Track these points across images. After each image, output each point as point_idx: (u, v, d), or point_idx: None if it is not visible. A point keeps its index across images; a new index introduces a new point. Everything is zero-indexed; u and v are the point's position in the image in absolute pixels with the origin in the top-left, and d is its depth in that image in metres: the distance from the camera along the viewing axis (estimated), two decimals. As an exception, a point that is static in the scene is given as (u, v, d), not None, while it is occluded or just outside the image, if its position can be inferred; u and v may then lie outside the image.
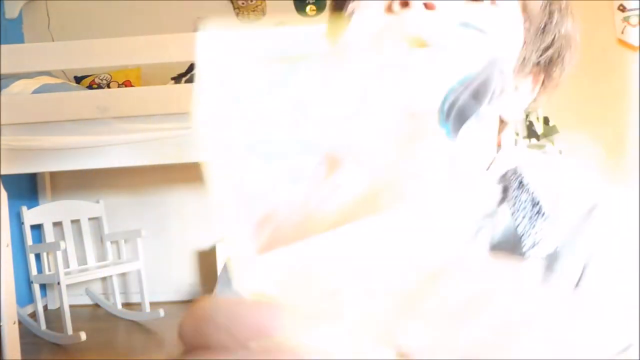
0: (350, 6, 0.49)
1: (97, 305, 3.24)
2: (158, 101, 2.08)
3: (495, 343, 0.22)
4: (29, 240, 2.87)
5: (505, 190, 0.50)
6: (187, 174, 3.27)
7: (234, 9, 3.28)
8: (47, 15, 3.26)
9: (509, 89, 0.47)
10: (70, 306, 2.67)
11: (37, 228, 3.02)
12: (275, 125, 0.26)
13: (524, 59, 0.48)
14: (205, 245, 3.28)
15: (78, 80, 3.02)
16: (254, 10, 3.28)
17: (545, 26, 0.49)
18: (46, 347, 2.62)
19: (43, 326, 2.74)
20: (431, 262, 0.25)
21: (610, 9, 3.20)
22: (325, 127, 0.27)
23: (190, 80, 2.25)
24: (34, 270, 2.83)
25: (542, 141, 2.06)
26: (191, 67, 2.48)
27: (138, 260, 3.00)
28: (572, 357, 0.23)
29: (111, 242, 3.20)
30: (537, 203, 0.47)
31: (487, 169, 0.52)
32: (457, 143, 0.39)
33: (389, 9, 0.45)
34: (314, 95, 0.27)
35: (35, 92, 2.12)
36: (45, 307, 3.14)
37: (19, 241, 2.89)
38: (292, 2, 3.28)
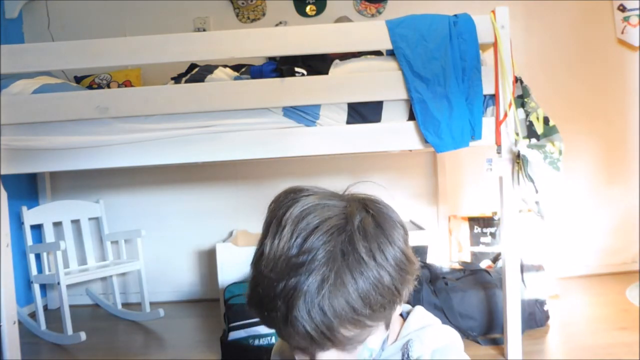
0: None
1: (97, 305, 3.24)
2: (158, 101, 2.08)
3: None
4: (29, 240, 2.87)
5: None
6: (187, 174, 3.27)
7: (234, 9, 3.27)
8: (47, 15, 3.26)
9: None
10: (70, 306, 2.67)
11: (37, 228, 3.02)
12: None
13: None
14: (205, 245, 3.28)
15: (78, 80, 3.02)
16: (254, 10, 3.28)
17: None
18: (46, 347, 2.62)
19: (43, 326, 2.74)
20: None
21: (610, 9, 3.20)
22: None
23: (190, 80, 2.25)
24: (34, 270, 2.83)
25: (542, 141, 2.06)
26: (191, 67, 2.48)
27: (138, 260, 3.00)
28: None
29: (111, 242, 3.20)
30: None
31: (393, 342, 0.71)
32: None
33: None
34: None
35: (35, 92, 2.12)
36: (45, 307, 3.14)
37: (19, 241, 2.89)
38: (292, 2, 3.29)
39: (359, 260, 0.60)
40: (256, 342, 2.20)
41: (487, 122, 2.09)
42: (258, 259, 0.63)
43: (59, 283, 2.62)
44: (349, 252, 0.60)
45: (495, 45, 2.06)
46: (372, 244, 0.61)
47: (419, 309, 0.77)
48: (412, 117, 2.09)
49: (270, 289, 0.60)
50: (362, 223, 0.63)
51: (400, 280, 0.63)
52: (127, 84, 2.99)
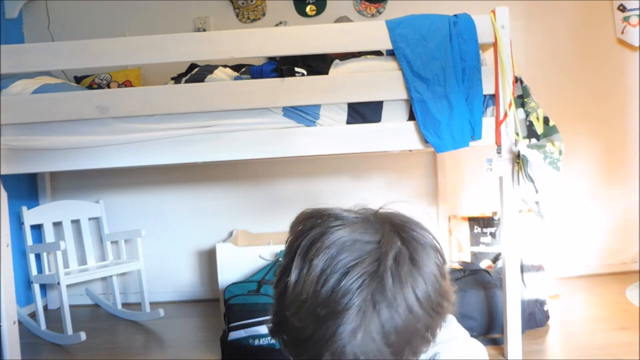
0: None
1: (97, 305, 3.24)
2: (158, 101, 2.08)
3: None
4: (29, 240, 2.87)
5: None
6: (187, 173, 3.27)
7: (234, 9, 3.27)
8: (47, 15, 3.26)
9: None
10: (70, 306, 2.67)
11: (37, 228, 3.02)
12: None
13: None
14: (205, 245, 3.28)
15: (78, 80, 3.02)
16: (254, 10, 3.28)
17: None
18: (46, 347, 2.62)
19: (43, 326, 2.74)
20: None
21: (610, 9, 3.21)
22: None
23: (190, 80, 2.25)
24: (34, 270, 2.83)
25: (542, 141, 2.06)
26: (191, 67, 2.48)
27: (138, 260, 3.00)
28: None
29: (111, 242, 3.20)
30: None
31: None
32: None
33: None
34: None
35: (35, 92, 2.12)
36: (45, 307, 3.14)
37: (19, 241, 2.89)
38: (292, 2, 3.29)
39: (389, 306, 0.60)
40: (256, 342, 2.20)
41: (487, 122, 2.09)
42: (281, 294, 0.64)
43: (59, 283, 2.62)
44: (380, 301, 0.60)
45: (495, 45, 2.06)
46: (404, 286, 0.61)
47: (450, 318, 0.73)
48: (412, 117, 2.09)
49: (305, 331, 0.61)
50: (395, 261, 0.61)
51: (429, 322, 0.63)
52: (127, 84, 2.99)
